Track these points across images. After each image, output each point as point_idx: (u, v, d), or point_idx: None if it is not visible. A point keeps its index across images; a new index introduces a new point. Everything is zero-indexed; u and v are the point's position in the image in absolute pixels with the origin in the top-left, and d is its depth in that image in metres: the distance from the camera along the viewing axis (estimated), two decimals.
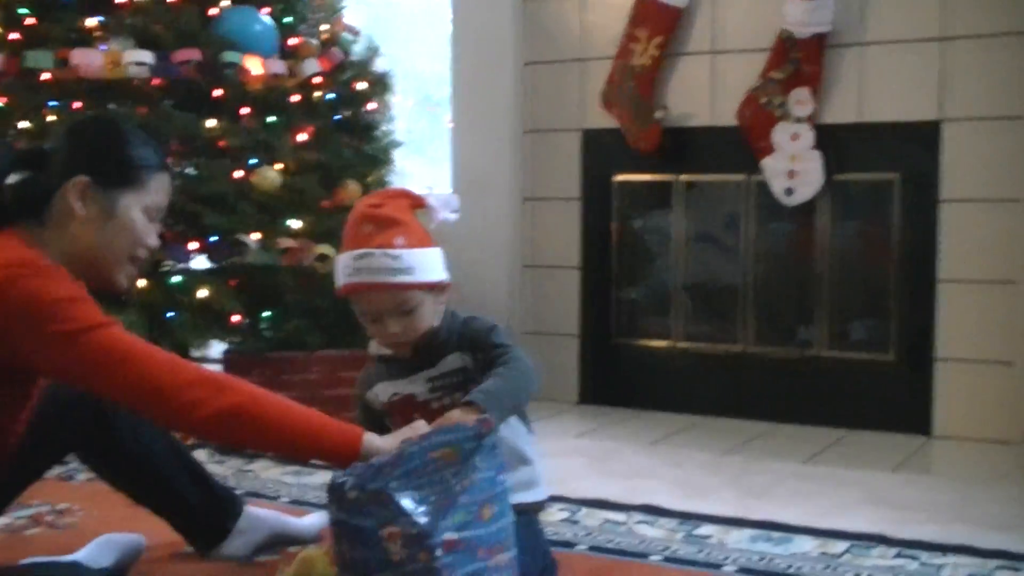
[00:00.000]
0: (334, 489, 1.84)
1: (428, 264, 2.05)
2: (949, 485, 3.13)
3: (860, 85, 3.81)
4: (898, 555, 2.46)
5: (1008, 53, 3.59)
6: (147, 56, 3.55)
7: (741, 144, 3.96)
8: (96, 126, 2.18)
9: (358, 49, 4.21)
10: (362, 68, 4.16)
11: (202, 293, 3.48)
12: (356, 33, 4.22)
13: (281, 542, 2.45)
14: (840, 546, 2.52)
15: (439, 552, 1.78)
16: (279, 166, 3.70)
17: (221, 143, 3.63)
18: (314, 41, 4.01)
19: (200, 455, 3.04)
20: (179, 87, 3.65)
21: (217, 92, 3.66)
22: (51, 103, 3.60)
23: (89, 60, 3.55)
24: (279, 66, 3.77)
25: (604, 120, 4.22)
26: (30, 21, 3.69)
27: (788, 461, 3.41)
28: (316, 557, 2.12)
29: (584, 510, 2.82)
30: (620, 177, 4.27)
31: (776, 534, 2.62)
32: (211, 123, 3.60)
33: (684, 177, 4.16)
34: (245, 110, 3.71)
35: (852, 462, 3.41)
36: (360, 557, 1.83)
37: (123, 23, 3.64)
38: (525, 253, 4.45)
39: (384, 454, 1.85)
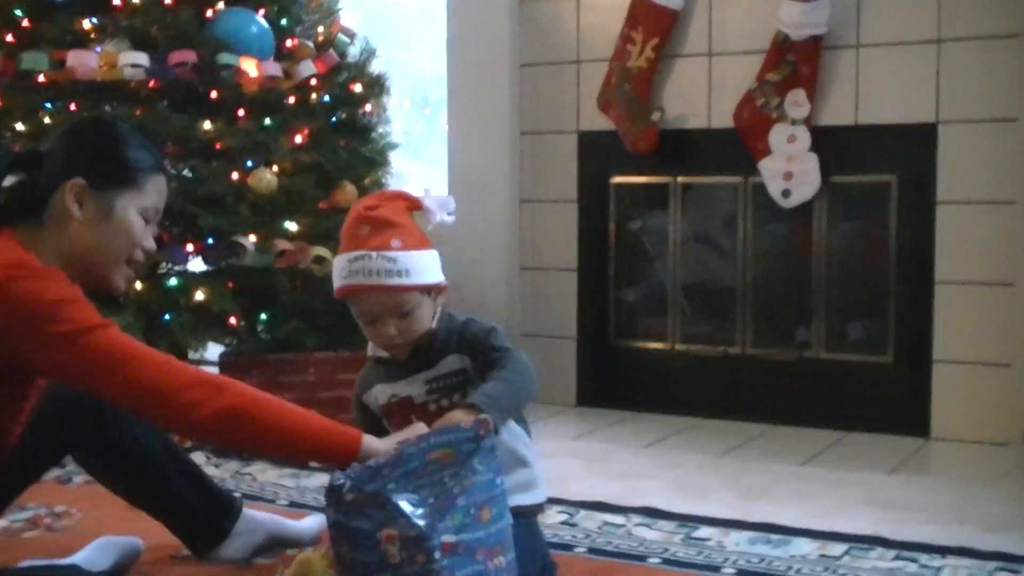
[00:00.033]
0: (332, 491, 1.84)
1: (425, 266, 2.06)
2: (947, 486, 3.13)
3: (857, 87, 3.81)
4: (897, 557, 2.46)
5: (1005, 55, 3.58)
6: (143, 58, 3.55)
7: (738, 146, 3.96)
8: (92, 128, 2.18)
9: (354, 51, 4.21)
10: (358, 70, 4.16)
11: (199, 295, 3.47)
12: (352, 35, 4.21)
13: (279, 544, 2.45)
14: (839, 548, 2.52)
15: (437, 554, 1.77)
16: (276, 168, 3.70)
17: (217, 145, 3.63)
18: (310, 43, 4.00)
19: (198, 458, 3.03)
20: (175, 89, 3.64)
21: (213, 94, 3.66)
22: (47, 105, 3.60)
23: (85, 62, 3.54)
24: (275, 68, 3.76)
25: (601, 122, 4.22)
26: (25, 23, 3.68)
27: (786, 463, 3.40)
28: (314, 559, 2.12)
29: (583, 512, 2.82)
30: (617, 179, 4.26)
31: (775, 536, 2.61)
32: (207, 125, 3.60)
33: (681, 179, 4.15)
34: (241, 112, 3.71)
35: (850, 463, 3.41)
36: (358, 559, 1.83)
37: (119, 24, 3.63)
38: (522, 255, 4.45)
39: (382, 456, 1.85)
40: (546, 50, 4.35)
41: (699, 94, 4.07)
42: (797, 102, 3.83)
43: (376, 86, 4.17)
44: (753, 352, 4.06)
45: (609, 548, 2.54)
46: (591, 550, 2.53)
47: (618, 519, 2.76)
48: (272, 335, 3.70)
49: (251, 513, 2.43)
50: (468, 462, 1.84)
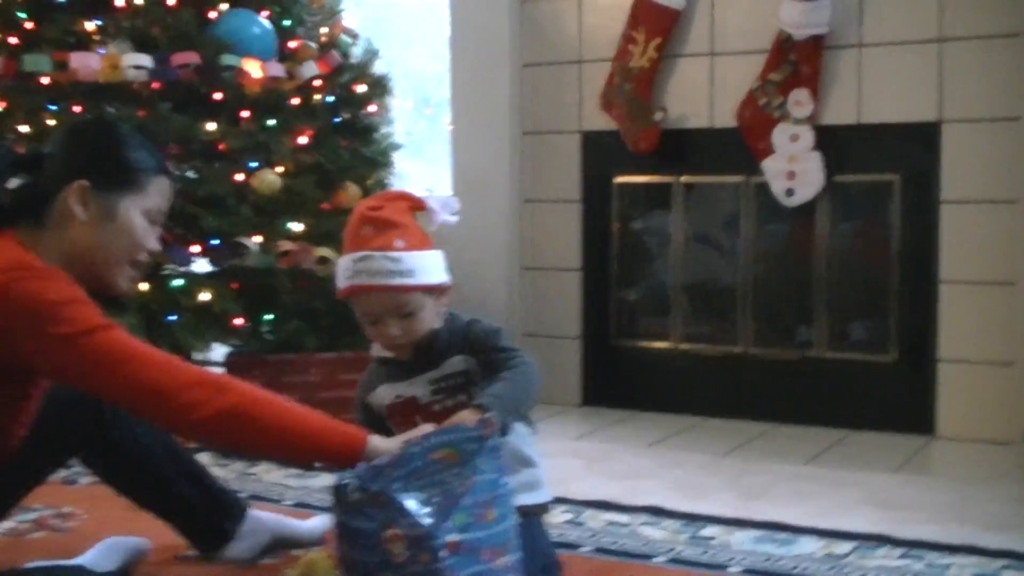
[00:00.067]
0: (337, 491, 1.84)
1: (428, 266, 2.05)
2: (950, 486, 3.13)
3: (859, 86, 3.81)
4: (903, 555, 2.46)
5: (1007, 54, 3.58)
6: (145, 59, 3.55)
7: (740, 145, 3.96)
8: (95, 129, 2.19)
9: (357, 51, 4.21)
10: (361, 70, 4.16)
11: (202, 296, 3.47)
12: (354, 35, 4.21)
13: (284, 545, 2.45)
14: (845, 547, 2.52)
15: (442, 553, 1.77)
16: (278, 169, 3.70)
17: (220, 146, 3.63)
18: (313, 44, 4.01)
19: (203, 458, 3.03)
20: (177, 90, 3.64)
21: (216, 95, 3.66)
22: (49, 106, 3.59)
23: (87, 63, 3.54)
24: (278, 69, 3.77)
25: (603, 122, 4.22)
26: (28, 24, 3.68)
27: (789, 462, 3.40)
28: (319, 560, 2.12)
29: (588, 511, 2.82)
30: (620, 179, 4.26)
31: (780, 535, 2.61)
32: (210, 126, 3.60)
33: (684, 178, 4.16)
34: (244, 113, 3.71)
35: (853, 463, 3.41)
36: (362, 559, 1.83)
37: (120, 26, 3.63)
38: (525, 255, 4.45)
39: (387, 455, 1.85)
40: (548, 50, 4.35)
41: (701, 94, 4.07)
42: (799, 101, 3.83)
43: (378, 87, 4.18)
44: (755, 351, 4.06)
45: (614, 547, 2.54)
46: (596, 549, 2.53)
47: (623, 518, 2.76)
48: (275, 336, 3.70)
49: (256, 513, 2.43)
50: (471, 462, 1.84)
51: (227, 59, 3.61)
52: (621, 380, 4.29)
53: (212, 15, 3.74)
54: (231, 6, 3.79)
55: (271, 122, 3.76)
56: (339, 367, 3.64)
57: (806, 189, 3.85)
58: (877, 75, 3.78)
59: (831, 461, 3.45)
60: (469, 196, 4.00)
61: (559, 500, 2.76)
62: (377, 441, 1.91)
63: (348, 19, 4.32)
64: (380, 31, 4.87)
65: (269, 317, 3.71)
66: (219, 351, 3.84)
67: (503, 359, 2.03)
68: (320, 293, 3.61)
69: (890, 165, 3.81)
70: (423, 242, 2.07)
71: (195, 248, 3.55)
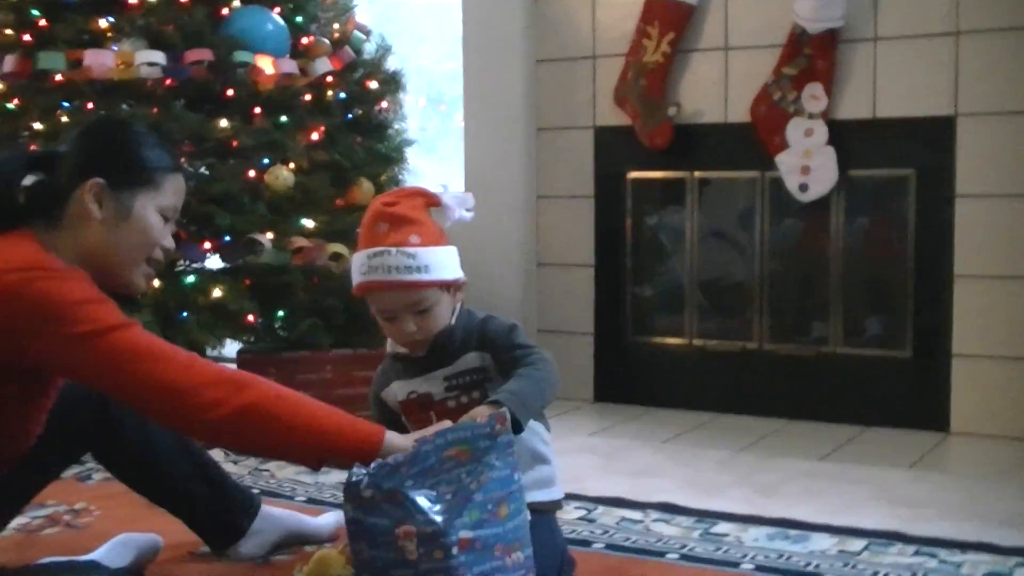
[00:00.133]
0: (350, 487, 1.84)
1: (443, 262, 2.05)
2: (965, 482, 3.12)
3: (874, 81, 3.79)
4: (916, 553, 2.45)
5: (1022, 47, 3.56)
6: (159, 56, 3.55)
7: (754, 141, 3.95)
8: (109, 128, 2.19)
9: (370, 48, 4.21)
10: (374, 67, 4.16)
11: (216, 293, 3.48)
12: (367, 32, 4.21)
13: (297, 541, 2.46)
14: (858, 544, 2.51)
15: (454, 550, 1.78)
16: (291, 166, 3.70)
17: (233, 143, 3.63)
18: (325, 40, 4.00)
19: (215, 455, 3.04)
20: (191, 87, 3.65)
21: (229, 92, 3.66)
22: (64, 104, 3.61)
23: (101, 61, 3.55)
24: (290, 66, 3.77)
25: (616, 117, 4.21)
26: (42, 23, 3.70)
27: (803, 459, 3.39)
28: (332, 556, 2.12)
29: (600, 508, 2.81)
30: (633, 174, 4.25)
31: (793, 532, 2.60)
32: (223, 123, 3.60)
33: (697, 174, 4.14)
34: (257, 110, 3.71)
35: (868, 459, 3.39)
36: (375, 555, 1.84)
37: (134, 24, 3.64)
38: (538, 251, 4.45)
39: (403, 452, 1.85)
40: (561, 46, 4.35)
41: (715, 89, 4.06)
42: (815, 96, 3.82)
43: (391, 83, 4.18)
44: (770, 348, 4.05)
45: (627, 544, 2.54)
46: (609, 546, 2.53)
47: (636, 515, 2.76)
48: (289, 333, 3.71)
49: (269, 510, 2.44)
50: (485, 458, 1.84)
51: (240, 56, 3.61)
52: (634, 376, 4.29)
53: (225, 12, 3.74)
54: (244, 3, 3.79)
55: (284, 119, 3.77)
56: (353, 364, 3.64)
57: (820, 184, 3.84)
58: (892, 69, 3.76)
59: (845, 458, 3.44)
60: (482, 192, 3.98)
61: (571, 497, 2.76)
62: (393, 437, 1.91)
63: (361, 15, 4.31)
64: (393, 27, 4.87)
65: (282, 314, 3.72)
66: (232, 348, 3.84)
67: (519, 356, 2.03)
68: (334, 290, 3.62)
69: (905, 160, 3.80)
70: (439, 238, 2.07)
71: (208, 245, 3.55)
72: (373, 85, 4.10)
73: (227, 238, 3.57)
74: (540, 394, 2.00)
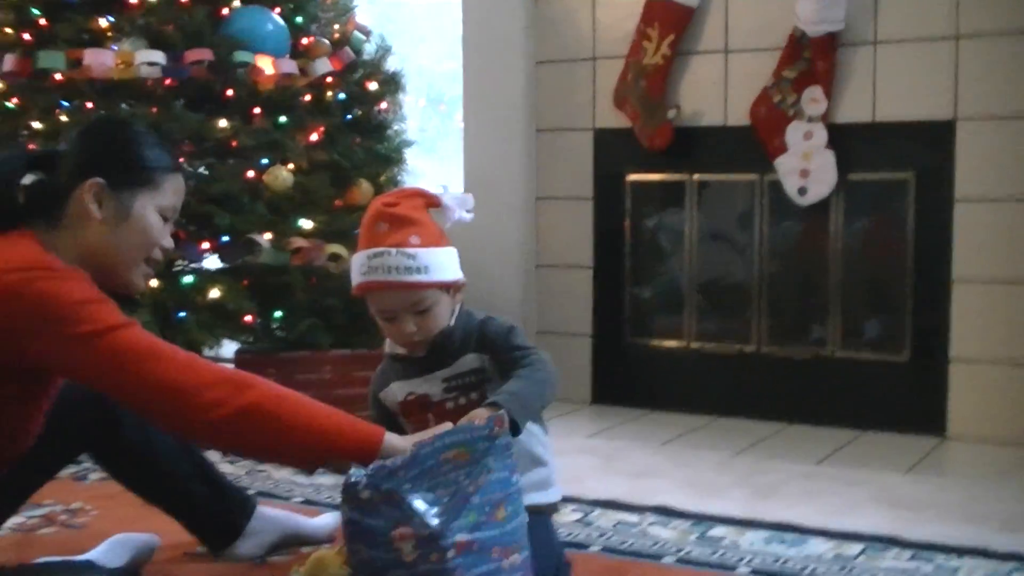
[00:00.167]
0: (347, 488, 1.84)
1: (443, 263, 2.05)
2: (963, 486, 3.12)
3: (874, 84, 3.79)
4: (913, 557, 2.45)
5: (1022, 50, 3.56)
6: (159, 56, 3.55)
7: (754, 143, 3.95)
8: (108, 128, 2.19)
9: (370, 48, 4.21)
10: (373, 67, 4.16)
11: (215, 293, 3.48)
12: (367, 33, 4.21)
13: (294, 542, 2.46)
14: (855, 548, 2.51)
15: (451, 553, 1.78)
16: (291, 166, 3.70)
17: (233, 143, 3.63)
18: (325, 41, 4.00)
19: (212, 455, 3.04)
20: (190, 87, 3.65)
21: (229, 92, 3.66)
22: (63, 103, 3.61)
23: (101, 60, 3.55)
24: (290, 66, 3.77)
25: (616, 119, 4.21)
26: (42, 22, 3.69)
27: (801, 461, 3.39)
28: (329, 557, 2.12)
29: (597, 511, 2.82)
30: (633, 176, 4.25)
31: (790, 535, 2.61)
32: (223, 123, 3.60)
33: (697, 176, 4.15)
34: (256, 110, 3.72)
35: (865, 463, 3.40)
36: (372, 557, 1.84)
37: (134, 23, 3.64)
38: (537, 252, 4.45)
39: (402, 454, 1.84)
40: (561, 47, 4.35)
41: (715, 91, 4.06)
42: (814, 99, 3.82)
43: (391, 83, 4.18)
44: (768, 350, 4.05)
45: (623, 547, 2.54)
46: (606, 549, 2.53)
47: (632, 518, 2.76)
48: (287, 333, 3.71)
49: (265, 511, 2.44)
50: (483, 460, 1.84)
51: (240, 56, 3.61)
52: (633, 378, 4.29)
53: (225, 12, 3.74)
54: (244, 3, 3.79)
55: (284, 119, 3.77)
56: (352, 364, 3.64)
57: (819, 187, 3.84)
58: (892, 72, 3.76)
59: (844, 460, 3.44)
60: (481, 193, 3.96)
61: (569, 499, 2.76)
62: (392, 439, 1.91)
63: (361, 16, 4.32)
64: (393, 27, 4.88)
65: (281, 314, 3.72)
66: (231, 348, 3.84)
67: (518, 357, 2.03)
68: (333, 290, 3.62)
69: (904, 163, 3.80)
70: (439, 239, 2.07)
71: (207, 245, 3.55)
72: (373, 85, 4.10)
73: (226, 238, 3.57)
74: (539, 396, 1.99)
